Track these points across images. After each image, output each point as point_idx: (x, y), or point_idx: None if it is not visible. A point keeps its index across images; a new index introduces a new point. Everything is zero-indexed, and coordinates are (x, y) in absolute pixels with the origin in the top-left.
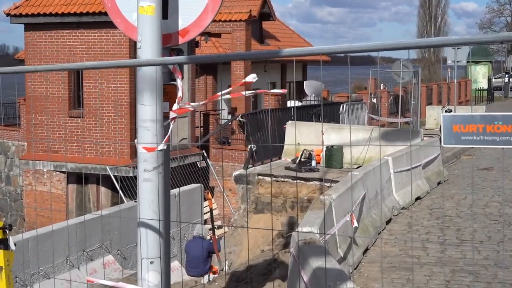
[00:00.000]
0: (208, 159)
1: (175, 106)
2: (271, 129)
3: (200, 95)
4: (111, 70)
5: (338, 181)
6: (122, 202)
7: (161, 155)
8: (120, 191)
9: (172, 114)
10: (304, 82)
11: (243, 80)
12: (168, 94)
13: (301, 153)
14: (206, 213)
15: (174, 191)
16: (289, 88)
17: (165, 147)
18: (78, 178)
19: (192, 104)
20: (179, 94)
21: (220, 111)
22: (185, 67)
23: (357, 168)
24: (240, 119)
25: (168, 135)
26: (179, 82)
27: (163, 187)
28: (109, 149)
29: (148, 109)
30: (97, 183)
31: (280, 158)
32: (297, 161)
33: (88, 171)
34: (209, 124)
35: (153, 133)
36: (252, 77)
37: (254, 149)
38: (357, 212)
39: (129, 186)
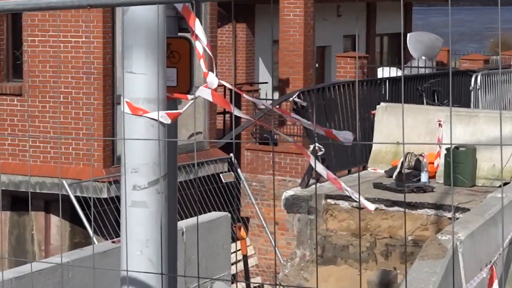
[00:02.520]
0: (239, 169)
1: (210, 77)
2: (350, 118)
3: (223, 59)
4: (72, 15)
5: (469, 210)
6: (89, 242)
7: (162, 160)
8: (87, 223)
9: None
10: (408, 35)
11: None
12: (174, 54)
13: (402, 159)
14: (237, 262)
15: (182, 224)
16: (381, 45)
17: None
18: (13, 201)
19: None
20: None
21: (259, 85)
22: (202, 8)
23: (503, 185)
24: (296, 99)
25: (180, 111)
26: (199, 30)
27: (166, 218)
28: (67, 151)
29: (141, 80)
30: (45, 209)
31: (365, 167)
32: (396, 173)
33: (30, 188)
34: (241, 109)
35: (149, 124)
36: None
37: (320, 152)
38: (501, 263)
39: (102, 215)
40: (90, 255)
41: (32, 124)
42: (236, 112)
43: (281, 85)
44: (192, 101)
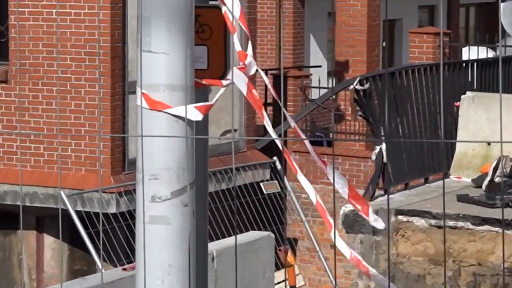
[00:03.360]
0: (284, 178)
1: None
2: (427, 111)
3: (264, 36)
4: None
5: None
6: (92, 269)
7: (190, 163)
8: (90, 245)
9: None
10: (502, 5)
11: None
12: (205, 29)
13: (494, 164)
14: None
15: (212, 247)
16: (466, 18)
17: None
18: None
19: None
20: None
21: (310, 69)
22: None
23: None
24: (358, 87)
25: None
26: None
27: (194, 237)
28: (65, 153)
29: (162, 62)
30: (37, 227)
31: (446, 175)
32: (486, 182)
33: (17, 201)
34: (287, 100)
35: (172, 117)
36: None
37: (386, 157)
38: None
39: (110, 235)
40: (95, 286)
41: (21, 119)
42: (266, 123)
43: (338, 70)
44: (224, 88)
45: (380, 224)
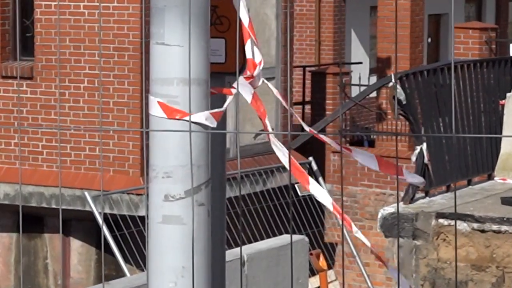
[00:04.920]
0: (320, 178)
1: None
2: (470, 109)
3: (303, 31)
4: None
5: None
6: (121, 274)
7: (205, 160)
8: (115, 248)
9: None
10: None
11: None
12: (222, 20)
13: None
14: None
15: (244, 252)
16: None
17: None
18: (19, 220)
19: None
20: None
21: (351, 66)
22: None
23: None
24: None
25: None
26: None
27: (209, 238)
28: (93, 153)
29: (176, 55)
30: (64, 230)
31: (490, 176)
32: None
33: (42, 203)
34: (326, 98)
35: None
36: None
37: (428, 157)
38: None
39: (137, 239)
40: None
41: (44, 117)
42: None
43: (380, 66)
44: (232, 96)
45: (418, 179)
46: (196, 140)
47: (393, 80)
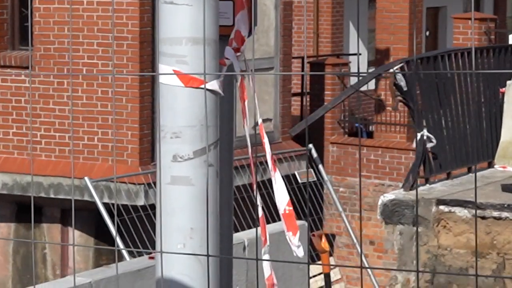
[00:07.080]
0: (320, 166)
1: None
2: (471, 98)
3: (301, 23)
4: None
5: None
6: (121, 259)
7: (213, 121)
8: (117, 236)
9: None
10: None
11: None
12: None
13: None
14: None
15: (244, 237)
16: None
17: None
18: (19, 210)
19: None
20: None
21: (349, 57)
22: None
23: None
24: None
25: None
26: None
27: (217, 199)
28: (92, 142)
29: (184, 13)
30: (62, 220)
31: (490, 164)
32: None
33: (41, 193)
34: (324, 89)
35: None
36: None
37: (430, 144)
38: None
39: (138, 226)
40: (119, 275)
41: (42, 106)
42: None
43: (378, 58)
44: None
45: (300, 252)
46: (204, 100)
47: (396, 67)
